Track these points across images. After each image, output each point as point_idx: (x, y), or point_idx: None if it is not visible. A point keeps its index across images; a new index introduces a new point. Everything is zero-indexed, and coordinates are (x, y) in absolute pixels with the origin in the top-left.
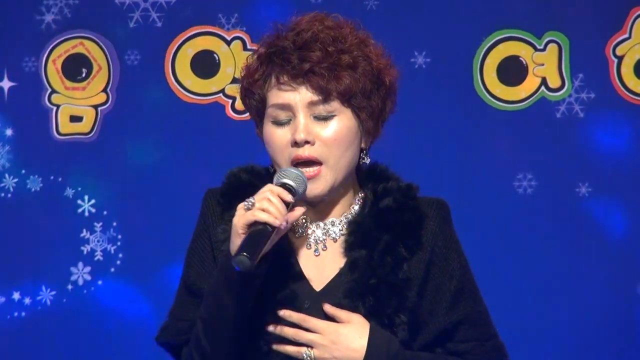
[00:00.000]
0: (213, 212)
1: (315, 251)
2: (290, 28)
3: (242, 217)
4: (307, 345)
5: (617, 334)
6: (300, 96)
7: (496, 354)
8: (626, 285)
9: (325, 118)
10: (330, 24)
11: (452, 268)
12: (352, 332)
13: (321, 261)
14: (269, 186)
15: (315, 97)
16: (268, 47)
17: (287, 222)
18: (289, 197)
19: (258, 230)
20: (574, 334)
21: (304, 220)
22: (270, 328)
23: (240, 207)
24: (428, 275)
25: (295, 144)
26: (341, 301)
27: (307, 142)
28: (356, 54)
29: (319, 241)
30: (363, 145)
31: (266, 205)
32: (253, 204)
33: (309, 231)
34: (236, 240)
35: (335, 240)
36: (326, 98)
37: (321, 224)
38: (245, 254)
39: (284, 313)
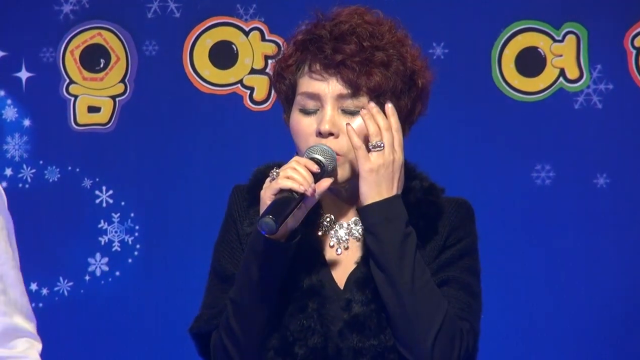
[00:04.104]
0: (239, 207)
1: (337, 250)
2: (330, 18)
3: (267, 188)
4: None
5: (634, 324)
6: (330, 87)
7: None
8: None
9: (352, 113)
10: (370, 19)
11: (455, 248)
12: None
13: (343, 260)
14: (295, 157)
15: (344, 90)
16: (305, 34)
17: (314, 191)
18: (314, 168)
19: (283, 197)
20: (592, 325)
21: (328, 220)
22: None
23: (267, 180)
24: (439, 256)
25: (320, 134)
26: (353, 292)
27: (331, 134)
28: (391, 53)
29: (341, 241)
30: None
31: (290, 173)
32: (278, 174)
33: (332, 231)
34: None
35: (358, 239)
36: (355, 92)
37: (344, 224)
38: (270, 216)
39: None
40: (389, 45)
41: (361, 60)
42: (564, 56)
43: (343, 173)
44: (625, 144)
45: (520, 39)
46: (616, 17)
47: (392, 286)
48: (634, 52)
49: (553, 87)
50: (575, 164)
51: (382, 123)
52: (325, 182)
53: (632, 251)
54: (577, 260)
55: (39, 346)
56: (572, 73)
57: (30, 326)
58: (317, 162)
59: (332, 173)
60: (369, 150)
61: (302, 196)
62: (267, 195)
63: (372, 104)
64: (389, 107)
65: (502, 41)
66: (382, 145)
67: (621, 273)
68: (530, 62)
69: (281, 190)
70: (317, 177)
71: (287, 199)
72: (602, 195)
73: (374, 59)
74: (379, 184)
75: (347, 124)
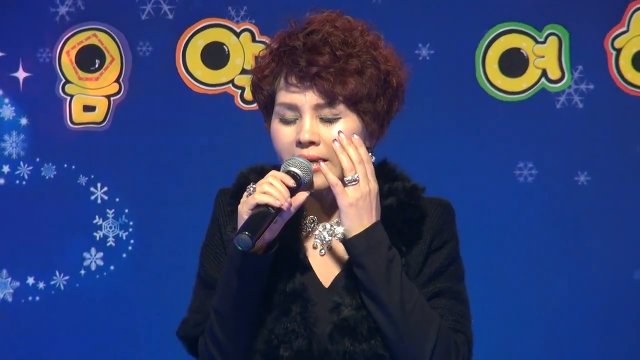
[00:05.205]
0: (223, 211)
1: (320, 251)
2: (302, 26)
3: (244, 203)
4: None
5: (615, 319)
6: (307, 98)
7: (460, 335)
8: (623, 271)
9: (330, 121)
10: (342, 26)
11: (441, 256)
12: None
13: (326, 260)
14: (271, 172)
15: (321, 100)
16: (279, 45)
17: (290, 205)
18: (291, 182)
19: (259, 212)
20: (572, 319)
21: (311, 221)
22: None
23: (244, 195)
24: (425, 263)
25: (300, 143)
26: (342, 295)
27: (311, 143)
28: (364, 59)
29: (324, 241)
30: (367, 144)
31: (267, 189)
32: (255, 189)
33: (316, 232)
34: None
35: (341, 240)
36: (332, 101)
37: (327, 225)
38: (246, 232)
39: None
40: (362, 51)
41: (335, 70)
42: (546, 57)
43: (322, 177)
44: (605, 142)
45: (503, 40)
46: (597, 19)
47: (383, 311)
48: (614, 53)
49: (535, 87)
50: (557, 162)
51: (354, 156)
52: (301, 196)
53: (612, 246)
54: (558, 255)
55: None
56: (553, 73)
57: None
58: (294, 175)
59: (309, 185)
60: (344, 185)
61: (279, 210)
62: (244, 210)
63: (342, 135)
64: (356, 138)
65: (486, 42)
66: (357, 178)
67: (602, 267)
68: (513, 62)
69: (258, 205)
70: (293, 191)
71: (264, 214)
72: (583, 192)
73: (348, 68)
74: (359, 216)
75: (321, 160)
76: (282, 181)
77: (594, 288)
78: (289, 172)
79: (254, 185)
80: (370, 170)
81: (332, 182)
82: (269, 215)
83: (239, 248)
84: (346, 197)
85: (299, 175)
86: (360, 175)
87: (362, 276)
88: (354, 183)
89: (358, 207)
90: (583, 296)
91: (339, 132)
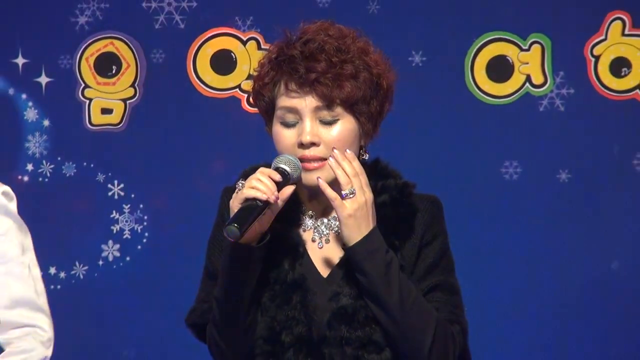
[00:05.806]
0: (228, 208)
1: (319, 244)
2: (298, 36)
3: (235, 198)
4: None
5: (595, 306)
6: (306, 102)
7: (457, 324)
8: (602, 262)
9: (329, 122)
10: (335, 34)
11: (433, 250)
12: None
13: (324, 253)
14: (260, 169)
15: (320, 104)
16: (278, 54)
17: (277, 198)
18: (277, 177)
19: (248, 205)
20: (554, 309)
21: (310, 216)
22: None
23: (236, 190)
24: (418, 257)
25: (302, 145)
26: (341, 285)
27: (312, 144)
28: (358, 63)
29: (322, 235)
30: (362, 143)
31: (254, 184)
32: (244, 185)
33: (314, 226)
34: None
35: (337, 234)
36: (330, 104)
37: (325, 220)
38: (234, 224)
39: None
40: (355, 56)
41: (332, 75)
42: (530, 64)
43: (324, 175)
44: (585, 143)
45: (490, 48)
46: (577, 28)
47: (384, 311)
48: (593, 60)
49: (520, 91)
50: (540, 161)
51: (349, 170)
52: (289, 190)
53: (591, 238)
54: (541, 247)
55: (42, 335)
56: (537, 79)
57: (36, 316)
58: (282, 171)
59: (297, 180)
60: (342, 197)
61: (266, 203)
62: (234, 204)
63: (336, 152)
64: (349, 153)
65: (475, 50)
66: (354, 191)
67: (582, 258)
68: (500, 69)
69: (246, 199)
70: (281, 185)
71: (252, 207)
72: (564, 189)
73: (343, 73)
74: (358, 225)
75: (318, 177)
76: (269, 176)
77: (575, 278)
78: (277, 169)
79: (243, 182)
80: (364, 181)
81: (330, 196)
82: (256, 208)
83: (229, 239)
84: (345, 209)
85: (287, 171)
86: (356, 187)
87: (363, 280)
88: (351, 196)
89: (356, 217)
90: (565, 286)
91: (333, 148)
